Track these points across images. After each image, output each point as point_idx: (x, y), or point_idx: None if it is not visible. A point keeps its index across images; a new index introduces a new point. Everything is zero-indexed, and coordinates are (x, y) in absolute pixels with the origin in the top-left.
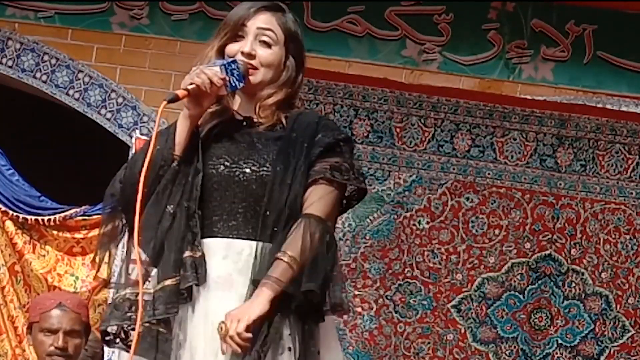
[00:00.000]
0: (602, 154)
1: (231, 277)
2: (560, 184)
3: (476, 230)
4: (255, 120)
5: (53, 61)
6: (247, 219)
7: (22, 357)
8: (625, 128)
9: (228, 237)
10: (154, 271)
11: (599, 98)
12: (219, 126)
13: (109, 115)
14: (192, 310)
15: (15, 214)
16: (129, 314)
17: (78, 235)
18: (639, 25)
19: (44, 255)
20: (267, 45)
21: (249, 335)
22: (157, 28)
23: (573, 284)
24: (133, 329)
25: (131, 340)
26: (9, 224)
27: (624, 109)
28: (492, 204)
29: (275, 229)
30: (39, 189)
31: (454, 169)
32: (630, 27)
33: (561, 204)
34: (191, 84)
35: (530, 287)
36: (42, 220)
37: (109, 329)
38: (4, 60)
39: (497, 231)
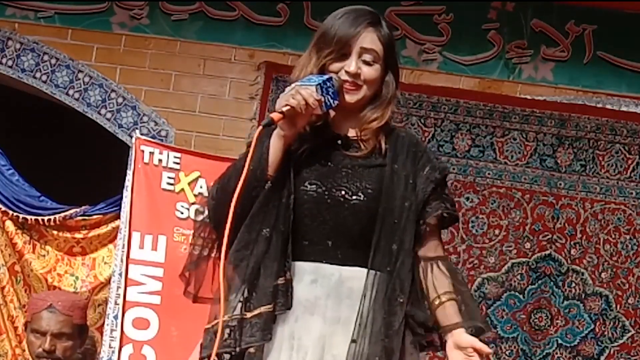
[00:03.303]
0: (602, 154)
1: (319, 300)
2: (560, 184)
3: (476, 230)
4: (351, 139)
5: (53, 61)
6: (337, 244)
7: (22, 357)
8: (625, 128)
9: (317, 261)
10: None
11: (599, 98)
12: (313, 145)
13: (109, 115)
14: (276, 330)
15: (15, 214)
16: (228, 341)
17: (78, 235)
18: (639, 25)
19: (44, 255)
20: (370, 63)
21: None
22: (157, 28)
23: (573, 284)
24: (230, 353)
25: None
26: (9, 224)
27: (624, 109)
28: (492, 204)
29: (389, 268)
30: (39, 189)
31: (454, 169)
32: (630, 27)
33: (561, 204)
34: (286, 105)
35: (530, 287)
36: (42, 220)
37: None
38: (4, 60)
39: (497, 231)
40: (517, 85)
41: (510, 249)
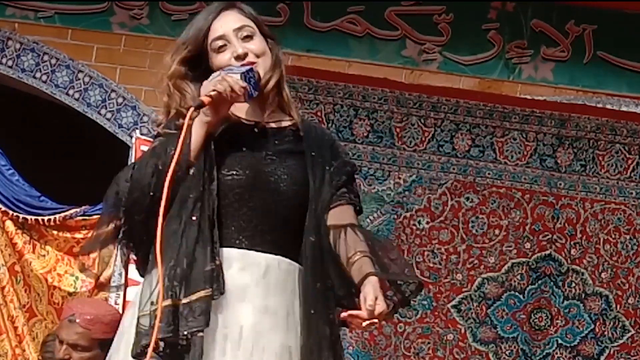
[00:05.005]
0: (602, 154)
1: (248, 288)
2: (560, 184)
3: (476, 230)
4: (264, 124)
5: (53, 61)
6: (264, 231)
7: (22, 357)
8: (625, 128)
9: (244, 248)
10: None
11: (599, 98)
12: (229, 132)
13: (109, 115)
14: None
15: (15, 214)
16: (172, 327)
17: (78, 235)
18: (639, 25)
19: (44, 255)
20: (250, 37)
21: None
22: (157, 28)
23: (573, 284)
24: (171, 340)
25: (162, 351)
26: (9, 224)
27: (624, 109)
28: (492, 204)
29: (314, 254)
30: (39, 189)
31: (454, 169)
32: (630, 27)
33: (561, 204)
34: (213, 90)
35: (530, 287)
36: (42, 220)
37: (143, 343)
38: (4, 60)
39: (497, 231)
40: (517, 85)
41: (510, 249)
